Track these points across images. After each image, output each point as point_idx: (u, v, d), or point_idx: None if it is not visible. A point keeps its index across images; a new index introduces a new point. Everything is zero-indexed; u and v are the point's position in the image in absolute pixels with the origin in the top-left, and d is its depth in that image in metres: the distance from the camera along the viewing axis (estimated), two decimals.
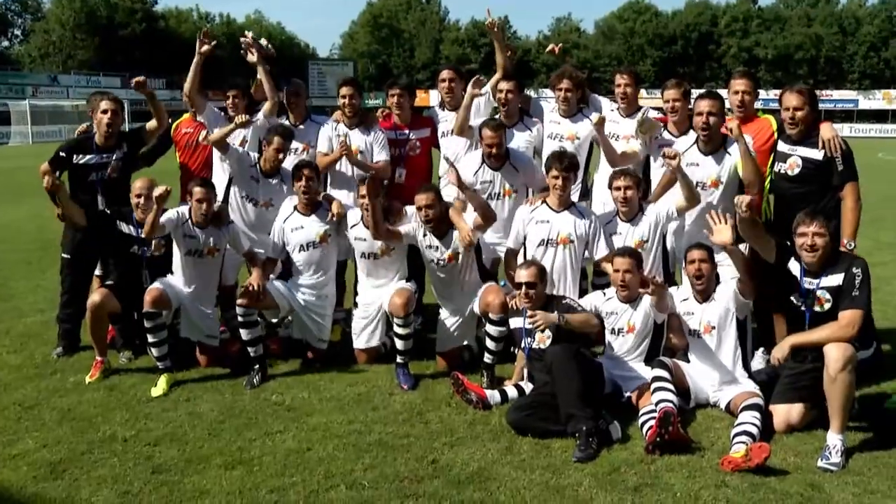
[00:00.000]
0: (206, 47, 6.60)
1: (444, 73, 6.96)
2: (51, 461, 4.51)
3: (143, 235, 5.96)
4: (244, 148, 6.61)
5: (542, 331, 5.28)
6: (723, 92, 6.27)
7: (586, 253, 6.05)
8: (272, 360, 6.22)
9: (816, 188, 5.59)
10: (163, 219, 5.87)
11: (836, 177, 5.55)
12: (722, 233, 5.09)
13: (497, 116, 6.66)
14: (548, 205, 6.02)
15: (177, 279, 6.17)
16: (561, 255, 5.94)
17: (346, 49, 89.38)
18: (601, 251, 5.95)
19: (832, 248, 4.92)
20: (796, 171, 5.65)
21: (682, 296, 5.54)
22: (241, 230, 6.32)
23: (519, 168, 6.37)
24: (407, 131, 6.76)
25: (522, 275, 5.44)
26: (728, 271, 5.47)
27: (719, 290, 5.37)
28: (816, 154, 5.57)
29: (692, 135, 6.07)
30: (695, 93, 6.33)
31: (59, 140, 40.02)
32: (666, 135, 6.28)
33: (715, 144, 5.91)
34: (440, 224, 5.96)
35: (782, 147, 5.77)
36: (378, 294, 6.26)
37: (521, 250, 6.11)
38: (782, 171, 5.73)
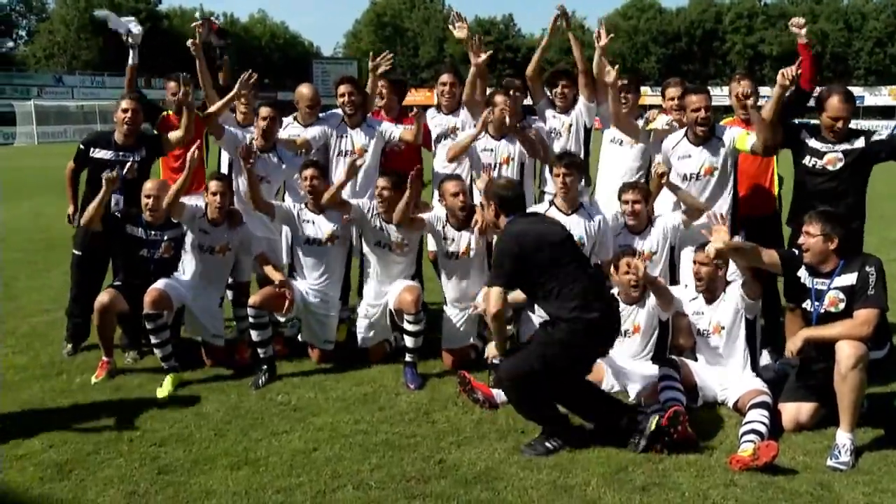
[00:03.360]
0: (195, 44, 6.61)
1: (445, 77, 6.85)
2: (57, 462, 4.50)
3: (167, 200, 5.92)
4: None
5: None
6: (724, 90, 6.27)
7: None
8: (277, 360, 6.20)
9: (860, 180, 5.55)
10: (186, 200, 5.99)
11: (886, 154, 5.53)
12: (719, 235, 5.04)
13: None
14: (556, 207, 5.98)
15: (182, 277, 6.16)
16: None
17: (350, 48, 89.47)
18: (607, 254, 5.90)
19: (829, 249, 4.80)
20: (839, 165, 5.51)
21: (690, 295, 5.51)
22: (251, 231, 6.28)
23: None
24: (394, 125, 6.70)
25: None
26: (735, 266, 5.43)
27: (729, 290, 5.32)
28: (858, 143, 5.51)
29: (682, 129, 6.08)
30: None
31: (64, 140, 40.25)
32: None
33: (707, 134, 5.90)
34: (462, 216, 5.98)
35: (816, 144, 5.62)
36: (385, 291, 6.22)
37: None
38: (818, 167, 5.57)
